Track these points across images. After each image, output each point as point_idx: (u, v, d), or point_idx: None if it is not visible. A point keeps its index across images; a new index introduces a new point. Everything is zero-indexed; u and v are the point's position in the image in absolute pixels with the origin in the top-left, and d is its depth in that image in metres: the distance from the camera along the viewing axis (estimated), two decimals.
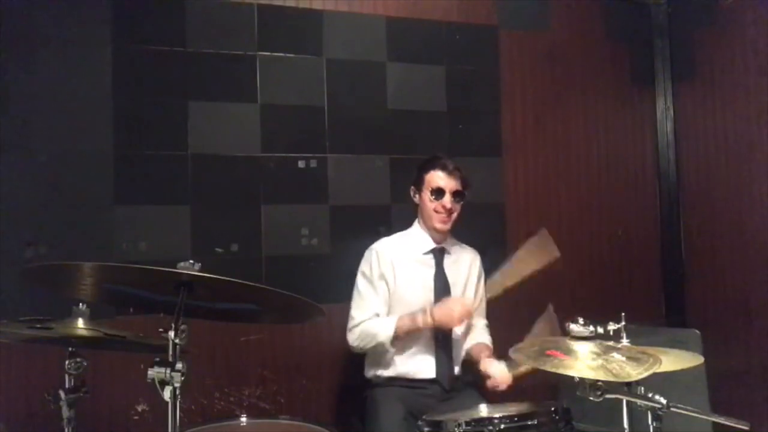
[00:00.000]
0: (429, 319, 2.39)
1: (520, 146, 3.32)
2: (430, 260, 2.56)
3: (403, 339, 2.44)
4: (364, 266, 2.55)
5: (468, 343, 2.61)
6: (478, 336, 2.64)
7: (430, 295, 2.52)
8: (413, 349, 2.48)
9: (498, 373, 2.35)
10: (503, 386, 2.34)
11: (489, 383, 2.37)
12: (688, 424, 1.88)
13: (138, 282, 1.67)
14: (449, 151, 3.08)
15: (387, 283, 2.50)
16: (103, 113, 2.66)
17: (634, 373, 1.63)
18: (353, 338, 2.48)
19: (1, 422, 2.38)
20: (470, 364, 2.55)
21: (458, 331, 2.55)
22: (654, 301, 3.55)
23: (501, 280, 2.54)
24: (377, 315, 2.48)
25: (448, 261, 2.58)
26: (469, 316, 2.46)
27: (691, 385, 2.52)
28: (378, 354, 2.50)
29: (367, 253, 2.57)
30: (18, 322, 1.86)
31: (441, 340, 2.49)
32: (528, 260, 2.52)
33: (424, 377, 2.47)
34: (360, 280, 2.54)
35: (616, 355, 1.71)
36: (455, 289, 2.56)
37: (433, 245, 2.57)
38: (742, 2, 3.22)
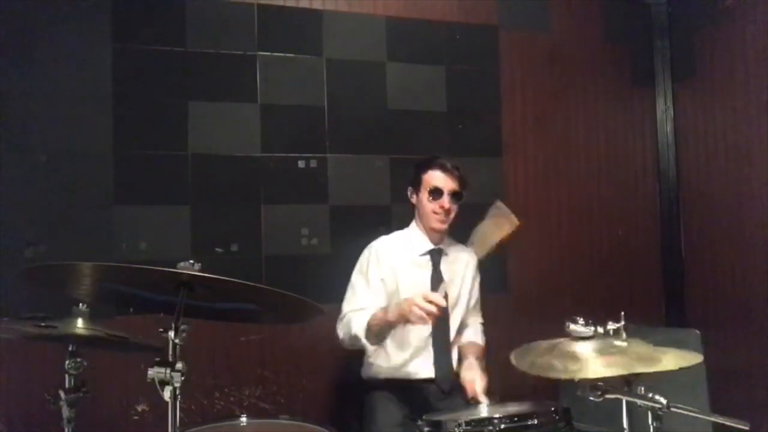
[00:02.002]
0: (392, 314, 2.26)
1: (520, 146, 3.32)
2: (427, 261, 2.55)
3: (378, 334, 2.35)
4: (361, 262, 2.54)
5: (459, 341, 2.59)
6: (470, 335, 2.62)
7: None
8: (411, 349, 2.47)
9: (471, 382, 2.29)
10: (474, 396, 2.24)
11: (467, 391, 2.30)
12: (688, 424, 1.87)
13: (138, 282, 1.67)
14: (449, 151, 3.09)
15: (384, 284, 2.48)
16: (103, 113, 2.67)
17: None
18: (339, 329, 2.44)
19: (1, 422, 2.38)
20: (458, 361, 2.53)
21: (454, 329, 2.54)
22: (654, 301, 3.55)
23: (478, 247, 2.60)
24: (371, 306, 2.43)
25: (445, 261, 2.57)
26: (429, 314, 2.15)
27: (691, 385, 2.51)
28: (374, 354, 2.50)
29: (365, 251, 2.55)
30: (20, 319, 1.86)
31: (439, 339, 2.47)
32: (490, 232, 2.54)
33: (422, 377, 2.46)
34: (355, 275, 2.53)
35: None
36: (451, 290, 2.53)
37: (430, 246, 2.55)
38: (742, 2, 3.22)
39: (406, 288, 2.49)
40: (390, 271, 2.50)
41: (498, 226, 2.59)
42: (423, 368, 2.46)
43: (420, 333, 2.46)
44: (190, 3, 2.81)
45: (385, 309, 2.33)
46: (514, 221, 2.59)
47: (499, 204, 2.65)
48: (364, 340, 2.36)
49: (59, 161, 2.60)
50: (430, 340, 2.47)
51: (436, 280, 2.52)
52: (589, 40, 3.52)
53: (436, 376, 2.46)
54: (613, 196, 3.51)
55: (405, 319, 2.23)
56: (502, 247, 2.66)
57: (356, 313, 2.42)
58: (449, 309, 2.52)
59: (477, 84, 3.25)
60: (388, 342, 2.46)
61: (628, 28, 3.61)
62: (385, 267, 2.50)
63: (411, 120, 3.11)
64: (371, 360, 2.53)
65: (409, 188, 2.57)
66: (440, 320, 2.47)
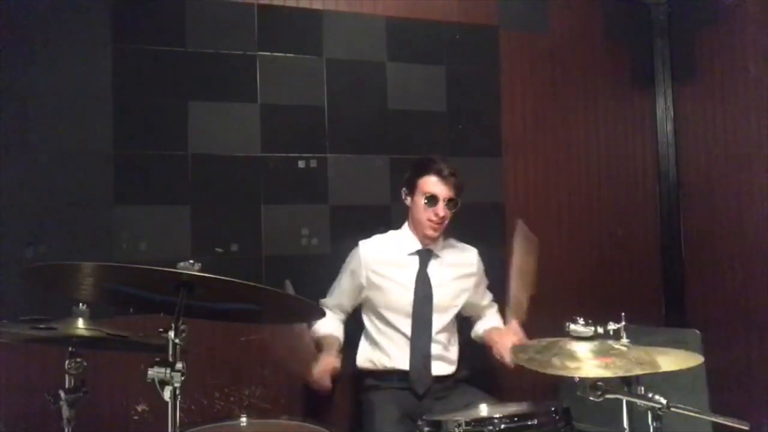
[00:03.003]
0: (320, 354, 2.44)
1: (520, 146, 3.32)
2: (414, 261, 2.55)
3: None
4: (348, 259, 2.62)
5: (481, 329, 2.67)
6: (489, 321, 2.69)
7: (410, 296, 2.51)
8: (391, 340, 2.51)
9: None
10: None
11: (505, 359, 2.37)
12: (688, 424, 1.88)
13: (138, 282, 1.67)
14: (449, 151, 3.10)
15: (355, 280, 2.55)
16: (103, 113, 2.66)
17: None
18: None
19: (0, 422, 2.38)
20: (487, 347, 2.58)
21: (439, 328, 2.54)
22: (654, 301, 3.55)
23: (518, 294, 2.48)
24: (337, 306, 2.60)
25: (434, 263, 2.57)
26: (322, 383, 2.40)
27: (691, 385, 2.51)
28: (366, 344, 2.57)
29: (354, 249, 2.60)
30: (19, 322, 1.86)
31: (417, 343, 2.48)
32: (524, 262, 2.49)
33: (398, 368, 2.47)
34: (342, 269, 2.63)
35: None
36: (438, 290, 2.54)
37: (418, 247, 2.56)
38: (742, 2, 3.22)
39: (388, 287, 2.51)
40: (374, 271, 2.53)
41: (528, 249, 2.48)
42: (400, 360, 2.49)
43: (400, 327, 2.49)
44: (190, 3, 2.81)
45: (324, 348, 2.47)
46: (534, 240, 2.50)
47: (521, 225, 2.54)
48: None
49: (59, 161, 2.60)
50: (410, 334, 2.48)
51: (422, 280, 2.53)
52: (588, 40, 3.52)
53: (410, 377, 2.46)
54: (613, 196, 3.51)
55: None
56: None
57: (328, 315, 2.53)
58: (432, 313, 2.51)
59: (477, 84, 3.25)
60: (378, 337, 2.54)
61: (628, 28, 3.61)
62: (369, 267, 2.53)
63: (411, 120, 3.11)
64: (361, 351, 2.59)
65: (403, 189, 2.58)
66: (420, 323, 2.50)
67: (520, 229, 2.49)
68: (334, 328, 2.58)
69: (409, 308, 2.50)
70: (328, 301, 2.64)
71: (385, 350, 2.51)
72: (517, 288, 2.46)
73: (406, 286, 2.52)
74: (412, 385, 2.45)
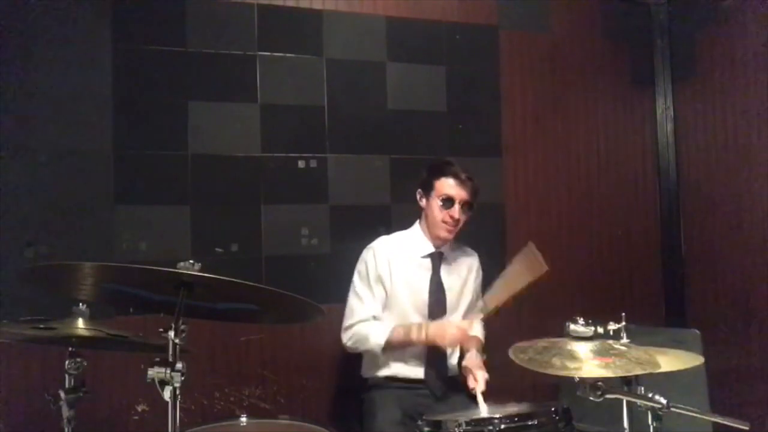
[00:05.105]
0: (423, 335, 2.37)
1: (520, 146, 3.32)
2: (428, 264, 2.55)
3: (394, 349, 2.44)
4: (360, 266, 2.55)
5: None
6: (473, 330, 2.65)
7: (425, 299, 2.52)
8: (405, 350, 2.47)
9: (472, 374, 2.33)
10: (474, 388, 2.29)
11: (469, 383, 2.33)
12: (688, 424, 1.88)
13: (138, 282, 1.67)
14: (449, 151, 3.10)
15: (383, 285, 2.50)
16: (103, 113, 2.66)
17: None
18: (347, 338, 2.49)
19: (0, 422, 2.38)
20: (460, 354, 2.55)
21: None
22: (654, 301, 3.55)
23: (493, 297, 2.40)
24: (374, 317, 2.48)
25: (445, 265, 2.57)
26: (462, 341, 2.42)
27: (691, 385, 2.51)
28: (371, 355, 2.51)
29: (364, 252, 2.56)
30: (19, 322, 1.86)
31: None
32: (518, 275, 2.41)
33: (414, 377, 2.47)
34: (357, 280, 2.54)
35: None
36: (451, 293, 2.55)
37: (431, 249, 2.56)
38: (742, 2, 3.22)
39: (404, 289, 2.50)
40: (388, 270, 2.50)
41: (529, 269, 2.31)
42: (415, 369, 2.47)
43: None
44: (190, 3, 2.81)
45: (406, 328, 2.41)
46: (544, 267, 2.26)
47: (531, 246, 2.36)
48: (377, 351, 2.43)
49: (59, 161, 2.60)
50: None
51: (436, 283, 2.53)
52: (588, 40, 3.52)
53: (426, 379, 2.46)
54: (613, 196, 3.51)
55: (432, 342, 2.35)
56: (516, 298, 2.32)
57: (369, 324, 2.46)
58: (446, 315, 2.53)
59: (477, 84, 3.25)
60: None
61: (628, 28, 3.61)
62: (383, 266, 2.50)
63: (411, 120, 3.11)
64: (370, 359, 2.53)
65: (419, 191, 2.57)
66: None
67: (529, 251, 2.36)
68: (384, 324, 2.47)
69: (425, 310, 2.51)
70: (362, 318, 2.48)
71: (400, 354, 2.49)
72: (494, 295, 2.40)
73: (421, 289, 2.52)
74: (429, 387, 2.45)
